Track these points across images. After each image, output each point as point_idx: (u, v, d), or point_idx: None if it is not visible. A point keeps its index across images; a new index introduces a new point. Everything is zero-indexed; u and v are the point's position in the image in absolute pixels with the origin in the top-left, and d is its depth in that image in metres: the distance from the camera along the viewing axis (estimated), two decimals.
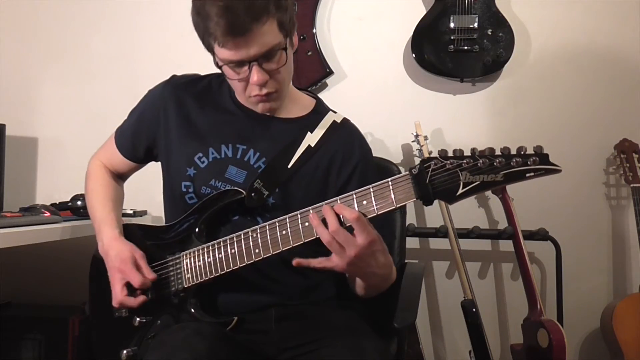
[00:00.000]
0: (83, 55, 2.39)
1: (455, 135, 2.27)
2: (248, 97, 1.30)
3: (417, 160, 2.20)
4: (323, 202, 1.14)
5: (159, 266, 1.32)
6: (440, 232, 2.12)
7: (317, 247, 1.15)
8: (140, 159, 1.48)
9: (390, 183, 1.10)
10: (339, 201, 1.13)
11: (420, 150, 2.13)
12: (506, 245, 2.20)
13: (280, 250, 1.18)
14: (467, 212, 2.23)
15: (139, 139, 1.44)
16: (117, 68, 2.37)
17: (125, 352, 1.29)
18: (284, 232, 1.17)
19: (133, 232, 1.39)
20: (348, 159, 1.37)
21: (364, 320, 1.36)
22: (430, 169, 1.05)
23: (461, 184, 1.03)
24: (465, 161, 1.02)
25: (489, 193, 2.20)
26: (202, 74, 1.45)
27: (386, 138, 2.28)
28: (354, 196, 1.12)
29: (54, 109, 2.40)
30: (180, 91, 1.40)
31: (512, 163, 1.00)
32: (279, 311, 1.31)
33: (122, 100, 2.33)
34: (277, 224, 1.18)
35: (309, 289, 1.36)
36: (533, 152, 1.01)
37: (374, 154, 1.50)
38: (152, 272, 1.30)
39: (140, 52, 2.37)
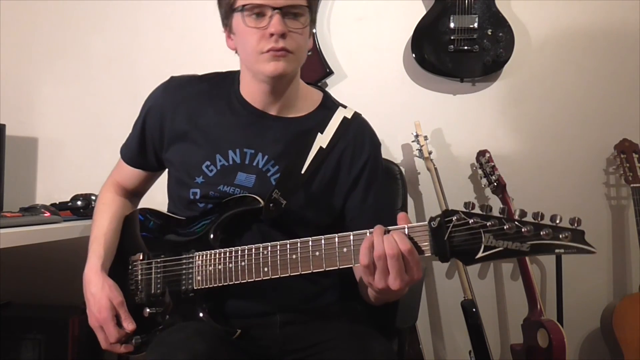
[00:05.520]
0: (83, 55, 2.39)
1: (455, 135, 2.26)
2: (260, 54, 1.22)
3: (417, 161, 2.24)
4: (350, 233, 1.09)
5: (173, 261, 1.30)
6: None
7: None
8: (151, 167, 1.45)
9: (406, 231, 1.04)
10: (352, 236, 1.08)
11: (420, 150, 2.13)
12: None
13: (288, 275, 1.15)
14: None
15: (145, 147, 1.41)
16: (117, 68, 2.37)
17: (133, 340, 1.30)
18: (293, 256, 1.14)
19: (153, 219, 1.38)
20: (359, 154, 1.34)
21: (367, 321, 1.36)
22: (452, 224, 0.98)
23: (482, 246, 0.95)
24: (490, 222, 0.95)
25: (488, 192, 2.19)
26: (201, 74, 1.42)
27: (386, 138, 2.27)
28: (368, 233, 1.07)
29: (54, 109, 2.40)
30: (181, 94, 1.36)
31: (542, 234, 0.93)
32: (283, 317, 1.31)
33: (122, 101, 2.36)
34: (288, 247, 1.15)
35: (314, 295, 1.35)
36: (568, 226, 0.92)
37: None
38: (132, 321, 1.30)
39: (141, 53, 2.37)
